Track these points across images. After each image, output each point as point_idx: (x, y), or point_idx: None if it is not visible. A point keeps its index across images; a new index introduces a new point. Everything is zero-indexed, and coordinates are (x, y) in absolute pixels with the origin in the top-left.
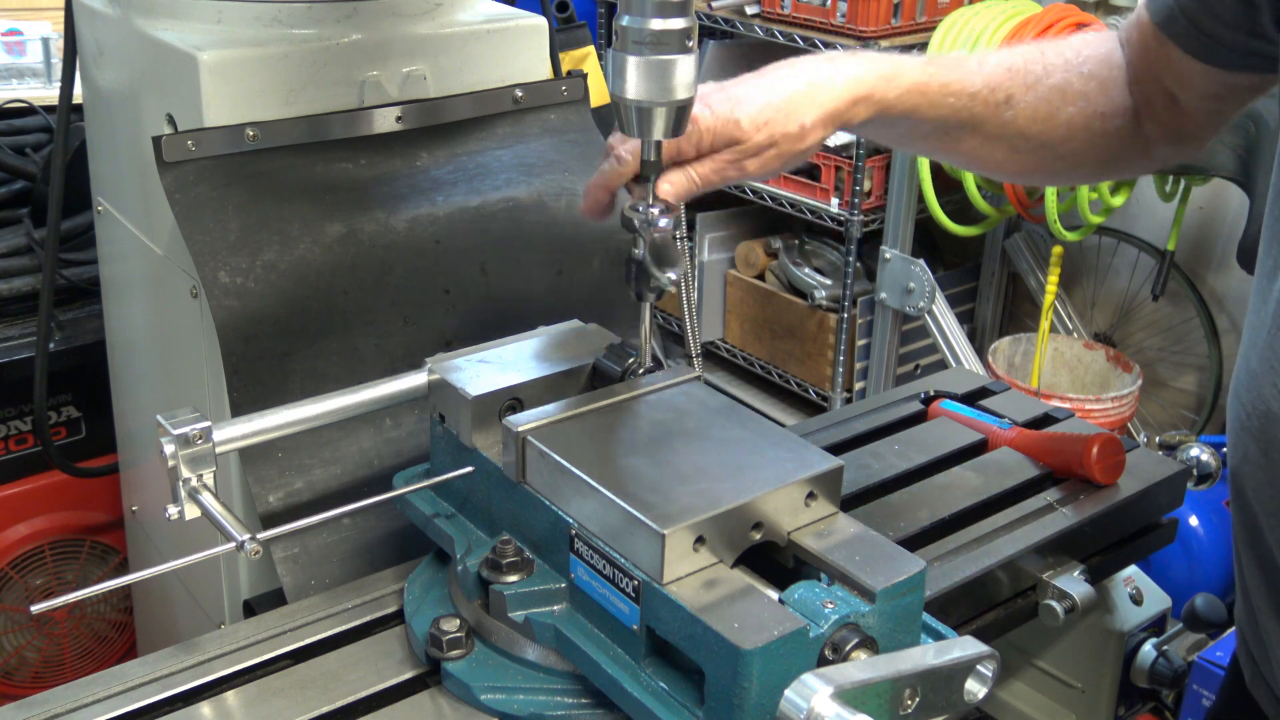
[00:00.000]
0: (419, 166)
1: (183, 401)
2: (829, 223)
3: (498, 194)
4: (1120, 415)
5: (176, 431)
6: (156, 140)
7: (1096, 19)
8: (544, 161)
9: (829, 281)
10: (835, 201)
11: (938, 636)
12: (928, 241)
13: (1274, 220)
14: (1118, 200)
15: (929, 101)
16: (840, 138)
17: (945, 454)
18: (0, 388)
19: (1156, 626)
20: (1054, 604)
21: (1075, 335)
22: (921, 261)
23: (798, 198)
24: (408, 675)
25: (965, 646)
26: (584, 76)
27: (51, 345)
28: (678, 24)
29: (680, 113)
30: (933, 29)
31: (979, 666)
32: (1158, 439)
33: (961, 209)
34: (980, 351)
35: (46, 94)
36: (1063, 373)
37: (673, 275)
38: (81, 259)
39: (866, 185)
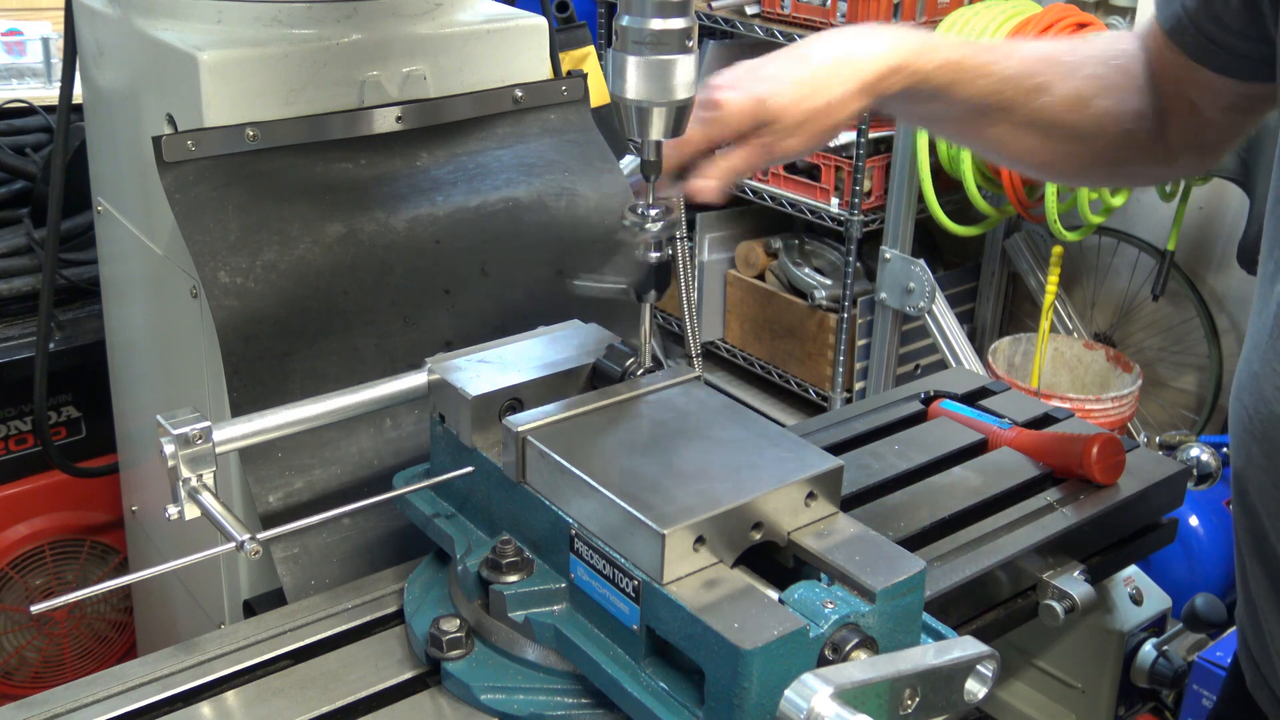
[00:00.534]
0: (419, 166)
1: (183, 401)
2: (829, 223)
3: (498, 194)
4: (1120, 415)
5: (176, 431)
6: (156, 140)
7: (1096, 19)
8: (544, 161)
9: (829, 281)
10: (835, 201)
11: (938, 636)
12: (928, 241)
13: (1274, 223)
14: (1118, 200)
15: (963, 79)
16: (841, 137)
17: (945, 454)
18: (0, 388)
19: (1156, 626)
20: (1054, 604)
21: (1075, 335)
22: (921, 261)
23: (798, 198)
24: (408, 675)
25: (965, 646)
26: (584, 76)
27: (51, 345)
28: (678, 24)
29: (680, 113)
30: (933, 28)
31: (979, 666)
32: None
33: (961, 209)
34: (980, 351)
35: (46, 94)
36: (1063, 373)
37: (651, 297)
38: (81, 259)
39: (866, 185)
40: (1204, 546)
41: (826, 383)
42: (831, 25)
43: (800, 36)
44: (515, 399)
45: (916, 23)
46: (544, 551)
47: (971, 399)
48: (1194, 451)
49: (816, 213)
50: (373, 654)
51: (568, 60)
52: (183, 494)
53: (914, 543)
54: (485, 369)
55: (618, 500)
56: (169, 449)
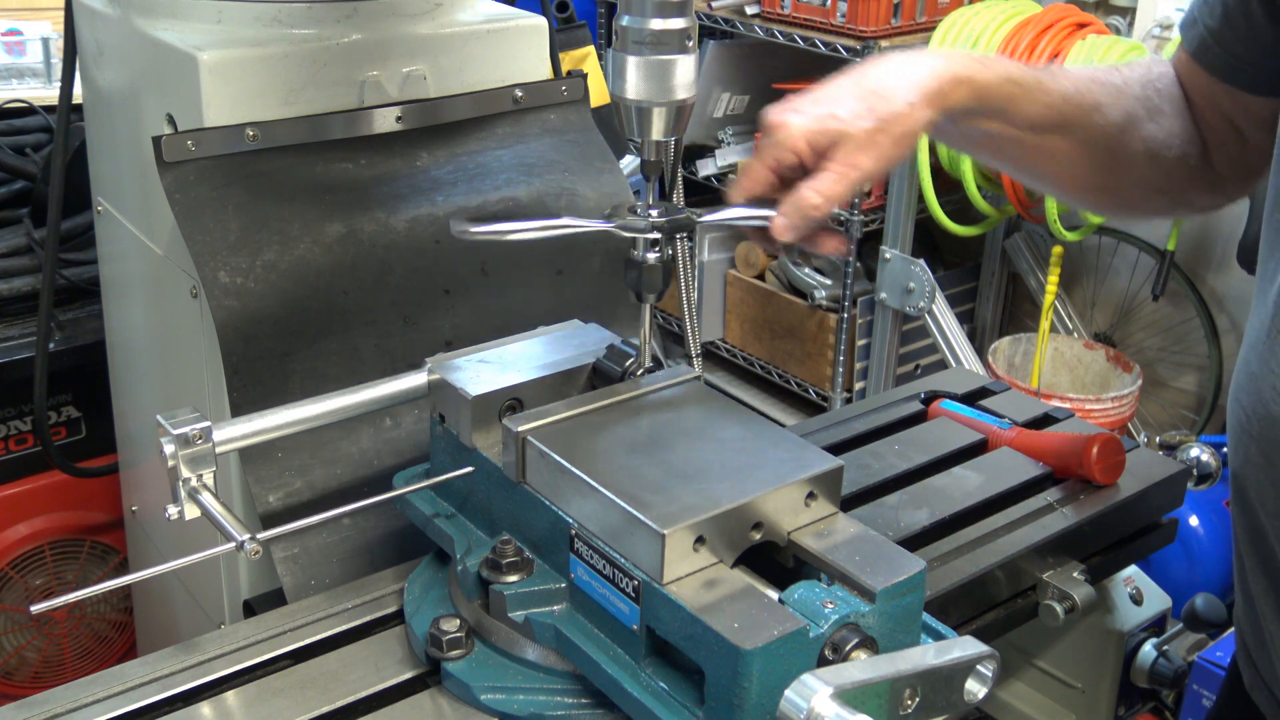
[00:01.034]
0: (419, 166)
1: (183, 401)
2: (829, 222)
3: (498, 194)
4: (1120, 415)
5: (176, 431)
6: (156, 140)
7: (1096, 19)
8: (544, 161)
9: (829, 281)
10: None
11: (938, 636)
12: (928, 241)
13: (1274, 224)
14: None
15: (1025, 94)
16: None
17: (945, 454)
18: (0, 388)
19: (1156, 626)
20: (1054, 604)
21: (1075, 335)
22: (921, 261)
23: None
24: (408, 675)
25: (965, 646)
26: (584, 76)
27: (51, 345)
28: (678, 24)
29: (680, 113)
30: (933, 29)
31: (979, 666)
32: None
33: (961, 209)
34: (980, 351)
35: (46, 94)
36: (1063, 373)
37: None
38: (81, 259)
39: (866, 185)
40: (1204, 546)
41: (826, 383)
42: (831, 25)
43: (800, 37)
44: (515, 399)
45: (916, 22)
46: (544, 551)
47: (971, 399)
48: (1194, 451)
49: None
50: (373, 654)
51: (568, 60)
52: (183, 494)
53: (914, 543)
54: (485, 369)
55: (618, 500)
56: (169, 449)
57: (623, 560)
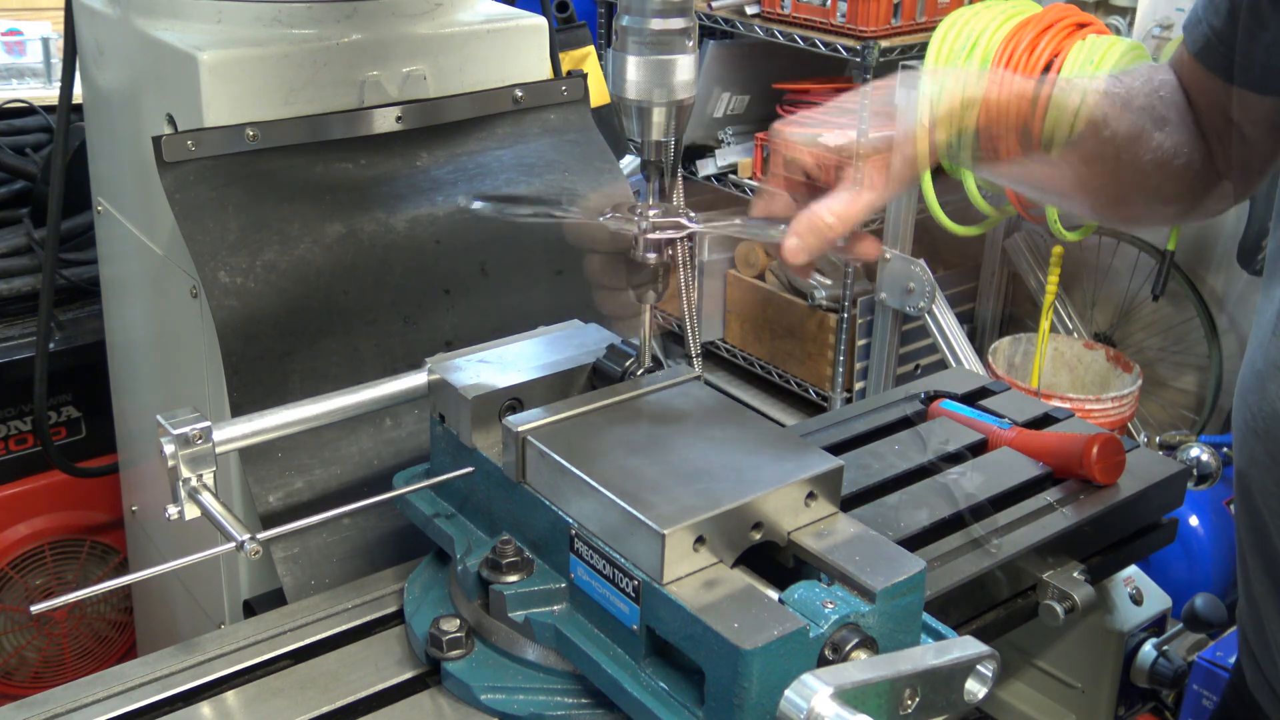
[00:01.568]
0: (419, 166)
1: (183, 401)
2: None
3: (498, 194)
4: (1120, 415)
5: (176, 431)
6: (156, 140)
7: (1096, 19)
8: (544, 161)
9: (829, 281)
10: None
11: (938, 636)
12: (928, 241)
13: None
14: None
15: (1034, 111)
16: (841, 137)
17: (945, 454)
18: (0, 388)
19: (1156, 626)
20: (1054, 604)
21: (1075, 335)
22: (921, 261)
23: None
24: (408, 675)
25: (965, 646)
26: (584, 76)
27: (51, 345)
28: (678, 24)
29: (680, 112)
30: (933, 29)
31: (979, 666)
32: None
33: (961, 209)
34: (980, 351)
35: (46, 94)
36: (1063, 373)
37: (651, 298)
38: (81, 259)
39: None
40: (1204, 546)
41: (826, 383)
42: (831, 25)
43: (800, 37)
44: (515, 399)
45: (916, 22)
46: (544, 551)
47: (971, 399)
48: (1194, 451)
49: None
50: (373, 654)
51: (568, 60)
52: (183, 494)
53: (914, 543)
54: (485, 369)
55: (618, 500)
56: (169, 449)
57: (623, 560)
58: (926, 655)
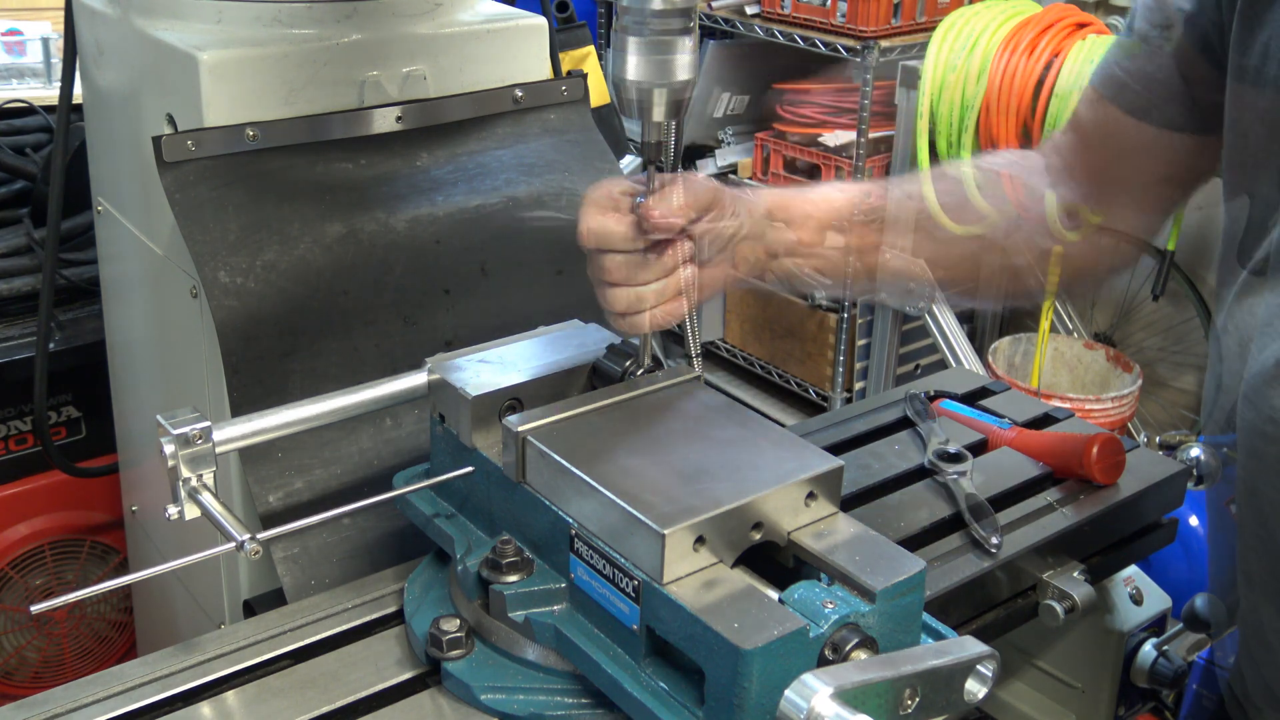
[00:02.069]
0: (419, 166)
1: (183, 401)
2: None
3: (498, 194)
4: (1120, 415)
5: (176, 431)
6: (156, 140)
7: (1096, 19)
8: (544, 161)
9: (829, 281)
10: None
11: (938, 636)
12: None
13: None
14: None
15: (826, 196)
16: (841, 137)
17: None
18: (0, 388)
19: (1156, 626)
20: (1054, 604)
21: (1075, 335)
22: (921, 261)
23: None
24: (408, 675)
25: (965, 646)
26: (584, 76)
27: (51, 345)
28: (679, 4)
29: (680, 94)
30: (933, 29)
31: (979, 666)
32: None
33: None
34: (980, 351)
35: (46, 94)
36: (1063, 373)
37: None
38: (81, 259)
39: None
40: (1204, 546)
41: (826, 383)
42: (831, 25)
43: (800, 36)
44: (515, 399)
45: (916, 22)
46: (544, 551)
47: (971, 399)
48: (1194, 451)
49: None
50: (373, 654)
51: (568, 60)
52: (183, 494)
53: (914, 543)
54: (485, 369)
55: (618, 500)
56: (169, 449)
57: (623, 560)
58: (926, 655)
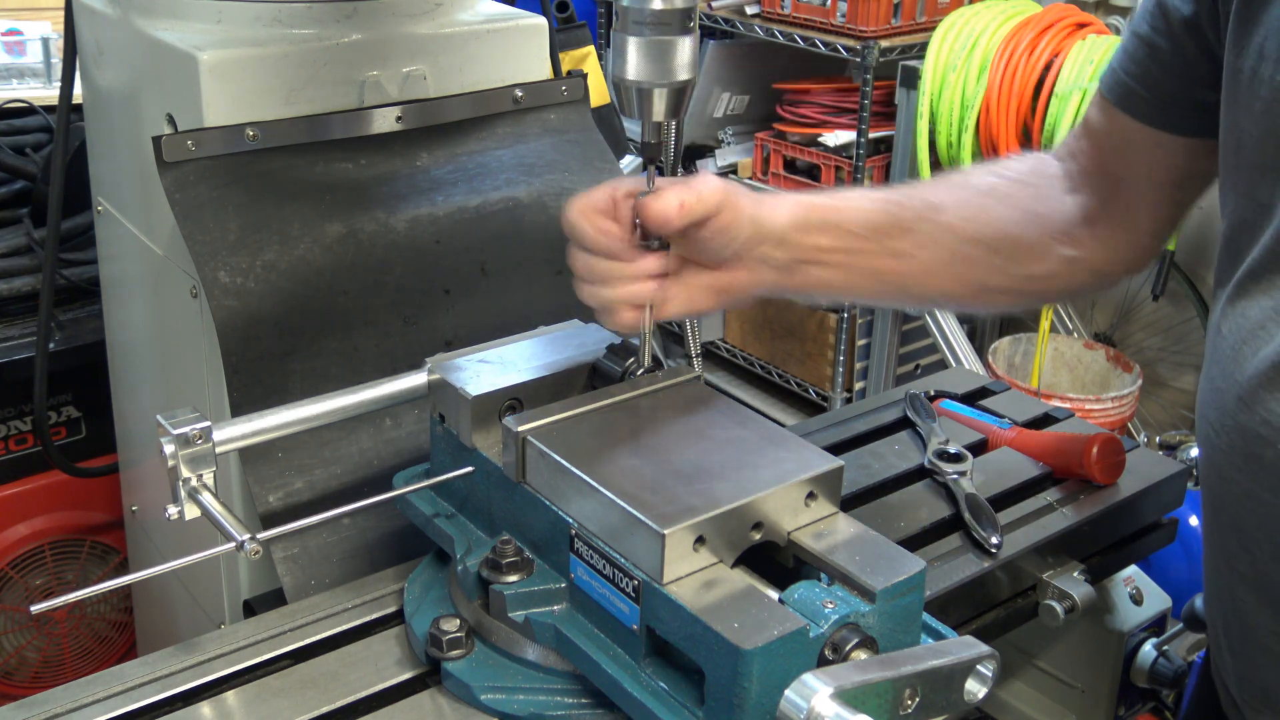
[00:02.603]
0: (419, 166)
1: (183, 401)
2: None
3: (498, 194)
4: (1120, 415)
5: (176, 431)
6: (156, 140)
7: (1096, 19)
8: (544, 161)
9: None
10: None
11: (938, 636)
12: None
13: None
14: None
15: (852, 204)
16: (841, 137)
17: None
18: (0, 388)
19: (1156, 626)
20: (1054, 604)
21: (1075, 335)
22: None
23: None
24: (408, 675)
25: (965, 646)
26: (584, 76)
27: (51, 345)
28: (678, 3)
29: (680, 94)
30: (933, 29)
31: (979, 666)
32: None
33: None
34: (980, 351)
35: (46, 94)
36: (1063, 373)
37: None
38: (81, 259)
39: (866, 185)
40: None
41: (826, 383)
42: (831, 25)
43: (800, 37)
44: (515, 399)
45: (916, 22)
46: (544, 551)
47: (971, 399)
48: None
49: None
50: (373, 654)
51: (568, 60)
52: (183, 494)
53: (914, 543)
54: (485, 369)
55: (618, 500)
56: (169, 449)
57: (623, 560)
58: (926, 655)
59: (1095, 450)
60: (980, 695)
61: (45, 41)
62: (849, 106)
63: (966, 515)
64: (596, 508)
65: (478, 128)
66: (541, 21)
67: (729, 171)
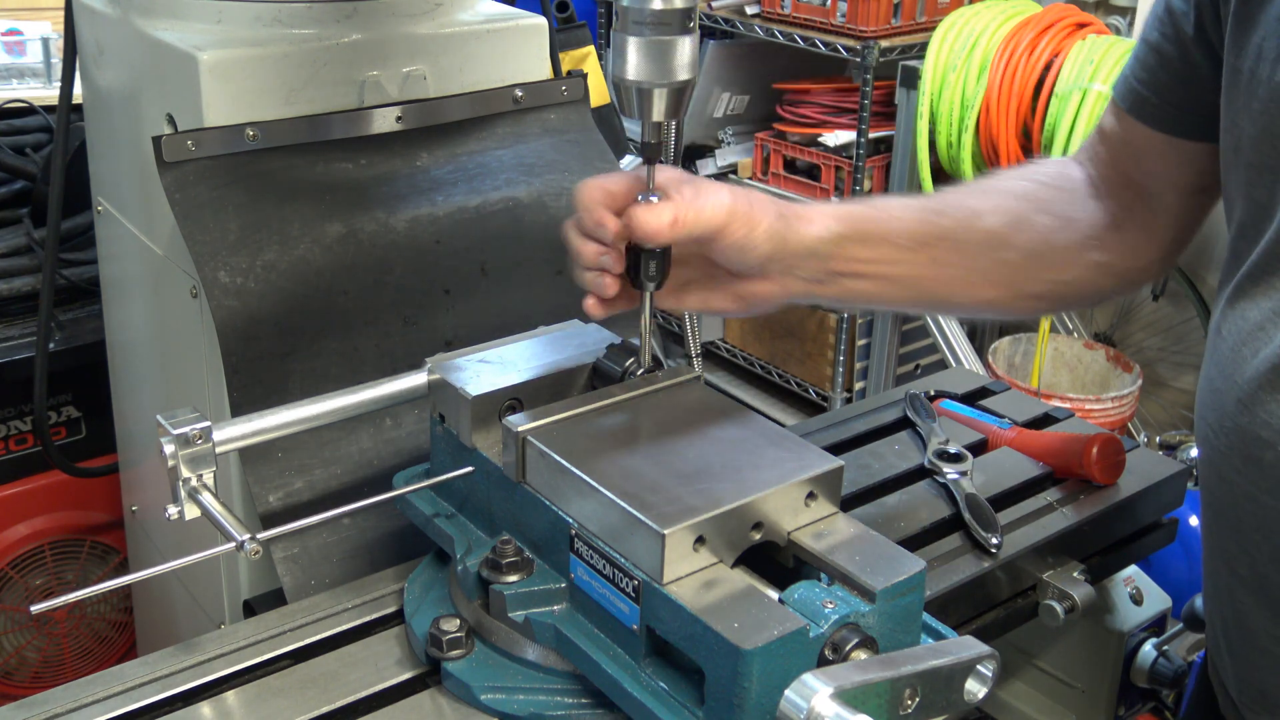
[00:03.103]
0: (419, 166)
1: (183, 401)
2: None
3: (498, 194)
4: (1120, 415)
5: (176, 431)
6: (156, 140)
7: (1096, 19)
8: (544, 161)
9: None
10: (835, 201)
11: (938, 636)
12: None
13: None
14: None
15: (892, 214)
16: (841, 137)
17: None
18: (0, 388)
19: (1156, 626)
20: (1054, 604)
21: (1075, 335)
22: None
23: (798, 198)
24: (408, 675)
25: (965, 646)
26: (584, 76)
27: (51, 345)
28: (678, 4)
29: (680, 94)
30: (933, 29)
31: (979, 666)
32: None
33: None
34: (980, 351)
35: (46, 94)
36: (1063, 373)
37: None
38: (81, 259)
39: (867, 185)
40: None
41: (826, 383)
42: (831, 25)
43: (800, 36)
44: (515, 399)
45: (916, 22)
46: (544, 551)
47: (971, 399)
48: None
49: None
50: (373, 654)
51: (568, 60)
52: (183, 494)
53: (914, 543)
54: (485, 369)
55: (618, 500)
56: (169, 449)
57: (623, 560)
58: (926, 655)
59: (1095, 450)
60: (980, 695)
61: (45, 41)
62: (849, 106)
63: (966, 515)
64: (596, 508)
65: (478, 128)
66: (541, 21)
67: (729, 171)
